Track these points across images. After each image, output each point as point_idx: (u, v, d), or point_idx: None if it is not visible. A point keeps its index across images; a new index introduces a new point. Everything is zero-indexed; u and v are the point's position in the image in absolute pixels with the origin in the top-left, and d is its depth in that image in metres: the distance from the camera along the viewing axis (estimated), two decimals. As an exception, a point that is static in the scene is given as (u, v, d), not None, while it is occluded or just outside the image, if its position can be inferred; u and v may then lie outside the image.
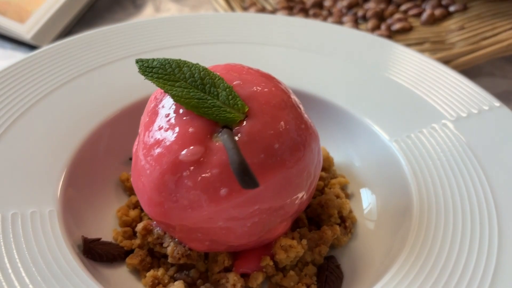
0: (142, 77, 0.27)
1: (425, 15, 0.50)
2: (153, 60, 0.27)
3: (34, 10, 0.52)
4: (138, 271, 0.29)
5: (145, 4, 0.59)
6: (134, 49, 0.38)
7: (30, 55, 0.37)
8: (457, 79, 0.36)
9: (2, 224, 0.26)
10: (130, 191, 0.33)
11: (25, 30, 0.50)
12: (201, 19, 0.42)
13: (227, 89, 0.26)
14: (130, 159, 0.34)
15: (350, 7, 0.53)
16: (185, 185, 0.25)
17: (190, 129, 0.25)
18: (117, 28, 0.40)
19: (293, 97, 0.28)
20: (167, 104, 0.27)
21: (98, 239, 0.29)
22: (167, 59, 0.27)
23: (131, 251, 0.30)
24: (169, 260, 0.28)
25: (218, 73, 0.27)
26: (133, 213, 0.31)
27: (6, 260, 0.25)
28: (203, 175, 0.25)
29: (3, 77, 0.34)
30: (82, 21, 0.55)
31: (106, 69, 0.37)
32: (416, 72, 0.37)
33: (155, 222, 0.29)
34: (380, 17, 0.51)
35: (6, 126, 0.31)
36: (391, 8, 0.52)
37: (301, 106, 0.28)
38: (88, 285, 0.25)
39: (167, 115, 0.26)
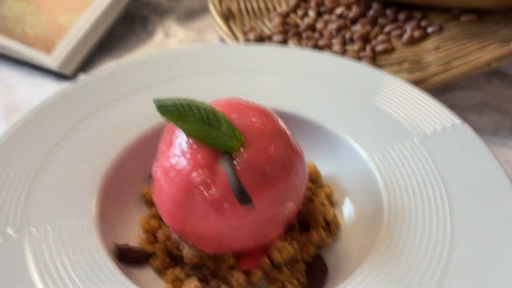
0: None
1: (405, 36, 0.56)
2: (168, 99, 0.33)
3: (58, 41, 0.59)
4: (160, 270, 0.36)
5: (155, 29, 0.66)
6: (150, 79, 0.45)
7: (60, 90, 0.43)
8: (424, 98, 0.42)
9: (53, 235, 0.33)
10: (150, 203, 0.40)
11: (52, 60, 0.57)
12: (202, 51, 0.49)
13: (227, 123, 0.32)
14: (150, 176, 0.41)
15: (339, 29, 0.59)
16: (196, 200, 0.31)
17: (198, 156, 0.32)
18: (138, 61, 0.47)
19: (282, 125, 0.35)
20: (180, 136, 0.33)
21: (127, 245, 0.36)
22: (179, 99, 0.33)
23: (152, 254, 0.36)
24: (185, 260, 0.35)
25: (220, 108, 0.33)
26: (154, 222, 0.38)
27: (57, 263, 0.32)
28: (210, 193, 0.31)
29: (44, 107, 0.41)
30: (101, 48, 0.61)
31: (126, 99, 0.43)
32: (389, 93, 0.43)
33: (172, 229, 0.36)
34: (366, 38, 0.57)
35: (48, 151, 0.38)
36: (375, 29, 0.58)
37: (288, 132, 0.35)
38: (123, 283, 0.31)
39: (180, 145, 0.33)
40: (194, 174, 0.31)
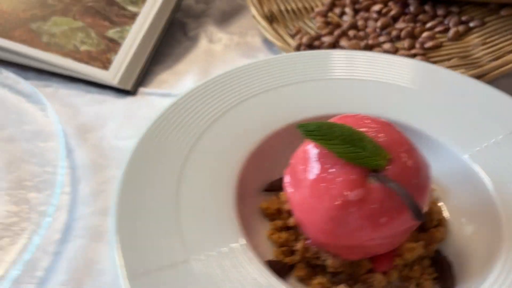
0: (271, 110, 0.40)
1: (451, 32, 0.59)
2: (310, 124, 0.35)
3: (113, 56, 0.58)
4: (303, 280, 0.38)
5: (197, 36, 0.66)
6: (265, 85, 0.48)
7: (169, 107, 0.44)
8: (501, 96, 0.47)
9: (207, 264, 0.35)
10: (270, 216, 0.42)
11: (111, 77, 0.57)
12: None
13: (370, 142, 0.35)
14: (266, 190, 0.43)
15: (383, 27, 0.62)
16: (353, 218, 0.34)
17: (349, 175, 0.34)
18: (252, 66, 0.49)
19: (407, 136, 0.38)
20: (325, 156, 0.35)
21: (275, 260, 0.38)
22: (320, 123, 0.35)
23: (292, 265, 0.39)
24: (329, 269, 0.38)
25: (351, 125, 0.36)
26: (284, 235, 0.40)
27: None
28: (367, 209, 0.34)
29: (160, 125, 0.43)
30: (154, 60, 0.61)
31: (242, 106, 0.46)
32: (469, 94, 0.47)
33: (309, 241, 0.39)
34: (412, 35, 0.61)
35: (177, 172, 0.40)
36: (418, 26, 0.62)
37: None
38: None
39: (326, 164, 0.35)
40: (349, 193, 0.34)
